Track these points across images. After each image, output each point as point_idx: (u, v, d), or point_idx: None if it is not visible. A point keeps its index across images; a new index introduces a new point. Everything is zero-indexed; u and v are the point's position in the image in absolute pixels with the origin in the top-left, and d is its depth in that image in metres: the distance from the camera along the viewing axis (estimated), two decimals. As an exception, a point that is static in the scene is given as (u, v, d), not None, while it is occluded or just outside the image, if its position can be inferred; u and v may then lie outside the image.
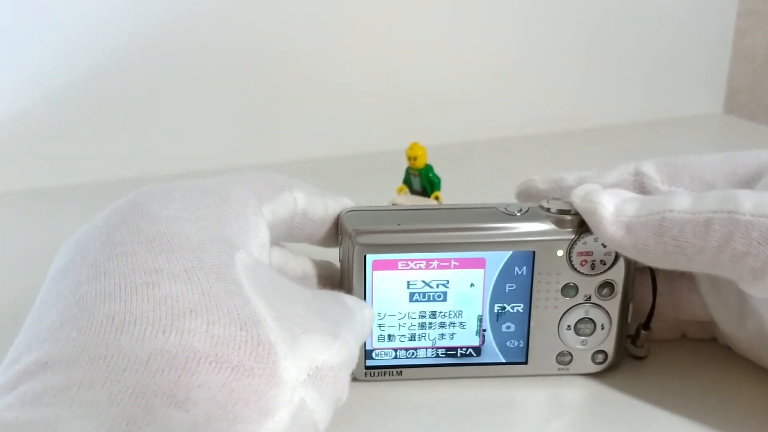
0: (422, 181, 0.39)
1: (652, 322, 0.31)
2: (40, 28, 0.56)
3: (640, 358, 0.32)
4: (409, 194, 0.40)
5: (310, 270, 0.31)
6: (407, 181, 0.40)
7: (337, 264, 0.30)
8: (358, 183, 0.56)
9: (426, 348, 0.30)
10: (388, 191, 0.40)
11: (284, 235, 0.29)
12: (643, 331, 0.31)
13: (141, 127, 0.62)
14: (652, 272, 0.30)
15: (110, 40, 0.59)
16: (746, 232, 0.24)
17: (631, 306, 0.30)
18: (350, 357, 0.23)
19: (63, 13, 0.57)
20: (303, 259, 0.31)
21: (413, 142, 0.38)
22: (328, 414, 0.21)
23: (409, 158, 0.38)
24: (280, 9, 0.63)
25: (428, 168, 0.39)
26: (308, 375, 0.20)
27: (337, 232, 0.30)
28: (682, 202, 0.25)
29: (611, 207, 0.26)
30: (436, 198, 0.39)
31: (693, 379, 0.30)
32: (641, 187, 0.30)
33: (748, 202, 0.24)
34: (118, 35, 0.59)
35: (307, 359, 0.21)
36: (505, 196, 0.33)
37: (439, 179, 0.39)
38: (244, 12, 0.62)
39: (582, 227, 0.28)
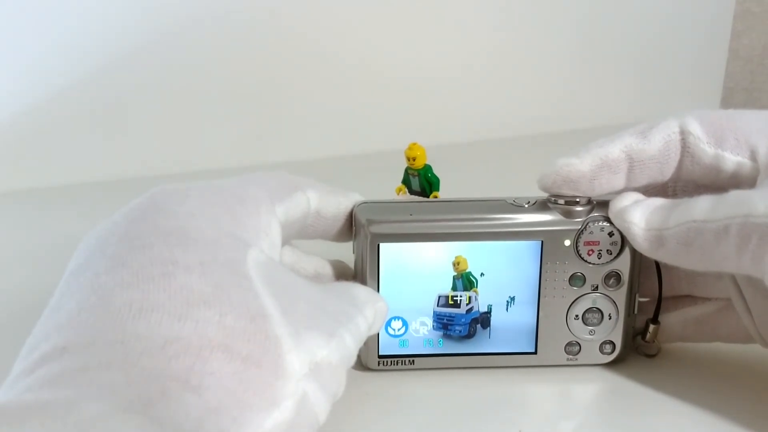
0: (421, 181, 0.39)
1: (660, 316, 0.31)
2: (41, 28, 0.56)
3: (651, 356, 0.32)
4: (408, 194, 0.40)
5: (322, 269, 0.31)
6: (406, 181, 0.40)
7: (349, 262, 0.31)
8: (357, 183, 0.56)
9: (438, 338, 0.30)
10: (387, 191, 0.40)
11: (298, 233, 0.30)
12: (652, 325, 0.31)
13: (142, 127, 0.62)
14: (658, 266, 0.31)
15: (111, 41, 0.59)
16: (762, 233, 0.24)
17: (637, 297, 0.30)
18: (347, 355, 0.24)
19: (64, 13, 0.57)
20: (315, 259, 0.32)
21: (412, 143, 0.38)
22: (327, 406, 0.22)
23: (408, 158, 0.38)
24: (280, 10, 0.63)
25: (427, 168, 0.39)
26: (309, 369, 0.21)
27: (350, 226, 0.31)
28: (702, 209, 0.26)
29: (642, 223, 0.28)
30: (435, 198, 0.39)
31: (705, 376, 0.30)
32: (687, 147, 0.29)
33: (761, 204, 0.25)
34: (119, 35, 0.59)
35: (308, 354, 0.21)
36: (505, 195, 0.33)
37: (437, 179, 0.39)
38: (245, 13, 0.62)
39: (588, 217, 0.29)
